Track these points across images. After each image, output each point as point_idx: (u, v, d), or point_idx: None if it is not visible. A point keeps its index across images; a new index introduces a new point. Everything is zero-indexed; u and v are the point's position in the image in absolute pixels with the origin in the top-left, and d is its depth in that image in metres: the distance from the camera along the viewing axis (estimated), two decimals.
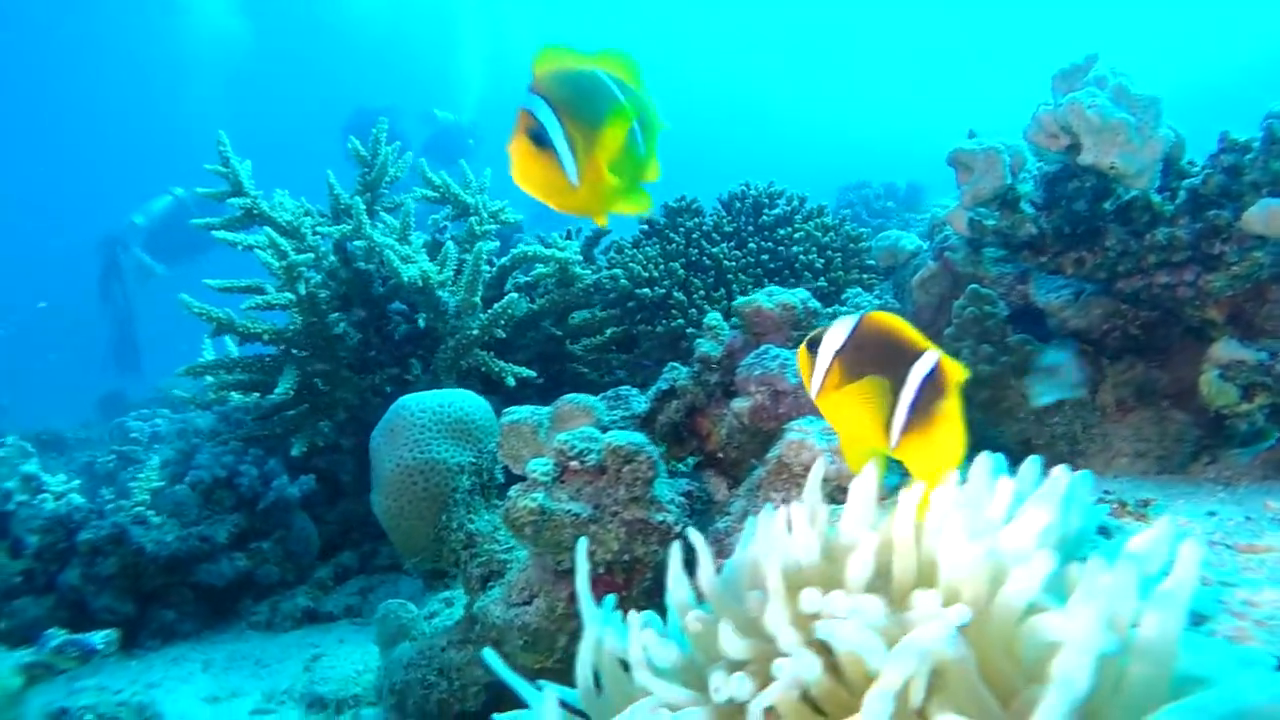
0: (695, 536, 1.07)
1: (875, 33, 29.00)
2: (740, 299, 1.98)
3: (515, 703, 1.78)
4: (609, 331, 2.93)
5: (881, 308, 2.62)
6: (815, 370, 1.01)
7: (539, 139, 0.92)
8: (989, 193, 1.90)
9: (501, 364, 2.60)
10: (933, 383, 0.94)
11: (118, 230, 8.90)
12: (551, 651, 1.65)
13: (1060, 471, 0.94)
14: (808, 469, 1.65)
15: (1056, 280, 2.32)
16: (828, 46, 30.14)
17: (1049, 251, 1.96)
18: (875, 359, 0.98)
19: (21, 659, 1.43)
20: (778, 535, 0.95)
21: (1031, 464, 0.99)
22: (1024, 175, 2.03)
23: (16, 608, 2.31)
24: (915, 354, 0.95)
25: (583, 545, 1.11)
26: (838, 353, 1.00)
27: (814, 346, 1.03)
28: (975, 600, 0.77)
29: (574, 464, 1.62)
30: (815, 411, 1.72)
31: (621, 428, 2.12)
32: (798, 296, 1.97)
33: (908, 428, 0.95)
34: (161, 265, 8.47)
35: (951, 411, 0.94)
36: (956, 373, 0.95)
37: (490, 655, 1.01)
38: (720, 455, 2.00)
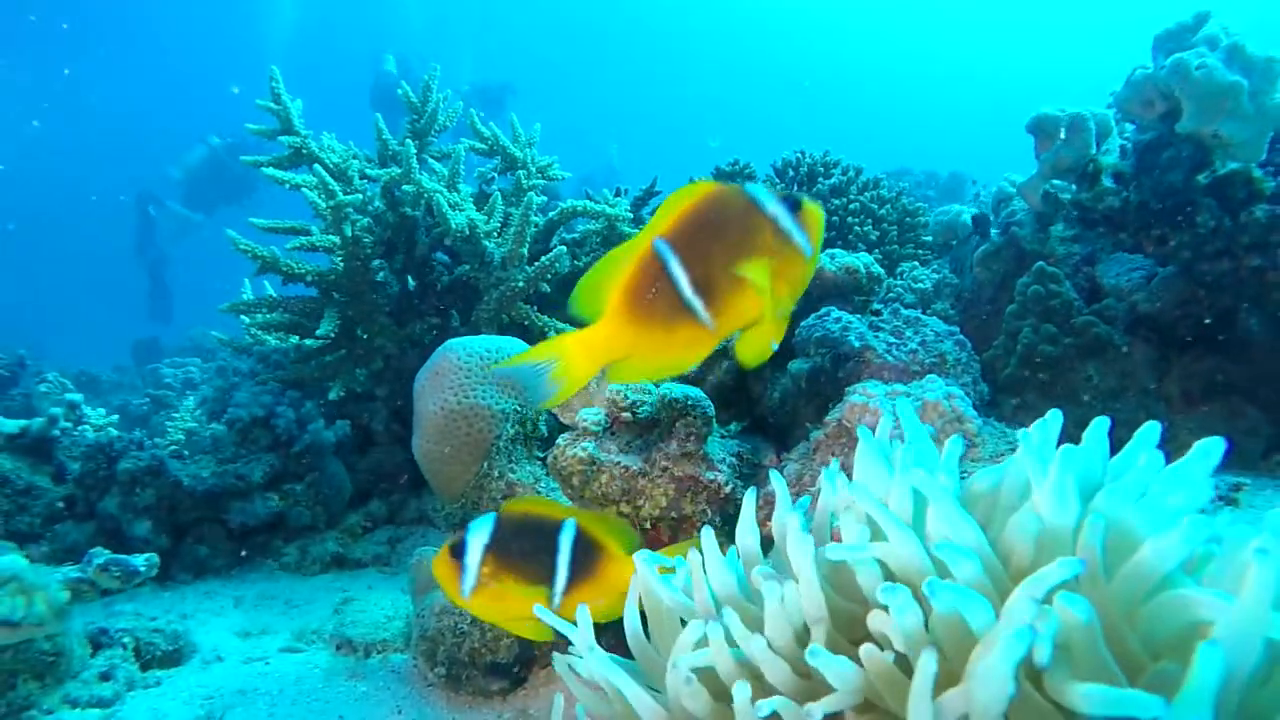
0: (749, 499, 1.07)
1: (922, 18, 28.33)
2: None
3: (544, 656, 1.76)
4: None
5: (939, 282, 2.53)
6: (466, 571, 1.11)
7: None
8: (1070, 162, 1.81)
9: (545, 319, 2.55)
10: (582, 543, 1.11)
11: (151, 186, 8.97)
12: None
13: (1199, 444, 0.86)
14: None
15: (1127, 262, 2.22)
16: (876, 29, 29.51)
17: (1130, 227, 1.86)
18: (523, 541, 1.11)
19: (68, 575, 1.43)
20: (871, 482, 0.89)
21: (1151, 429, 0.91)
22: (1106, 148, 1.93)
23: (59, 531, 2.32)
24: (557, 525, 1.12)
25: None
26: (487, 548, 1.10)
27: (457, 550, 1.12)
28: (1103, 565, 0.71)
29: (625, 415, 1.57)
30: (882, 375, 1.65)
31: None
32: (861, 260, 1.90)
33: (571, 585, 1.11)
34: (200, 214, 8.54)
35: (613, 557, 1.11)
36: (596, 524, 1.12)
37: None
38: (770, 419, 1.95)
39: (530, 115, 3.05)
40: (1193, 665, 0.57)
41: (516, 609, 1.12)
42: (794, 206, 0.91)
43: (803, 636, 0.83)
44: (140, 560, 1.52)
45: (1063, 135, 1.80)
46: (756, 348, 0.97)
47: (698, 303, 0.91)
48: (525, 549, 1.12)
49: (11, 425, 2.37)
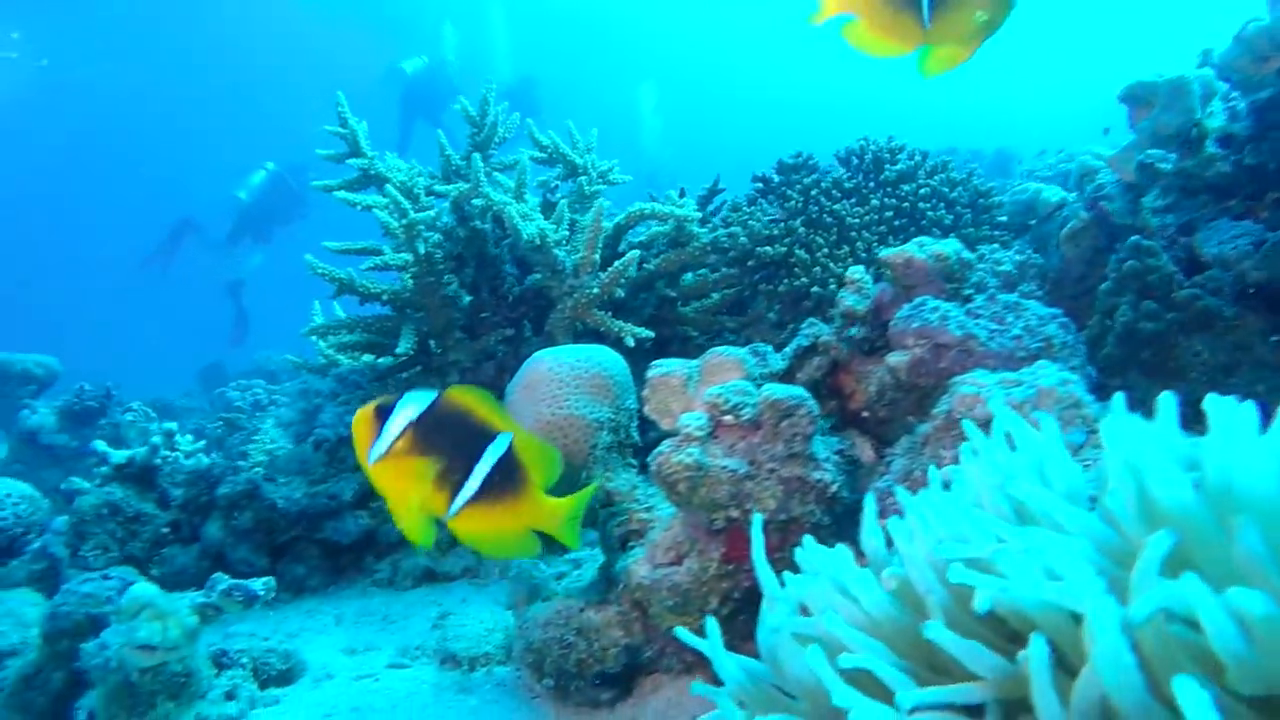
0: (869, 502, 1.05)
1: None
2: (888, 249, 1.87)
3: (650, 665, 1.75)
4: (715, 296, 2.86)
5: (1023, 263, 2.45)
6: (382, 436, 1.03)
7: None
8: (1174, 128, 1.73)
9: (620, 324, 2.55)
10: (507, 463, 1.04)
11: (193, 215, 9.14)
12: (701, 613, 1.59)
13: None
14: (982, 425, 1.55)
15: (1230, 229, 2.12)
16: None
17: (1240, 193, 1.77)
18: (451, 435, 1.04)
19: (194, 599, 1.47)
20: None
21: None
22: (1210, 110, 1.84)
23: (166, 555, 2.41)
24: (491, 435, 1.04)
25: (757, 523, 1.07)
26: (412, 423, 1.03)
27: (383, 413, 1.04)
28: None
29: (728, 418, 1.55)
30: (987, 364, 1.60)
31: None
32: (951, 247, 1.85)
33: (477, 500, 1.03)
34: (260, 253, 8.76)
35: (528, 491, 1.06)
36: (531, 450, 1.07)
37: (683, 632, 1.00)
38: (865, 414, 1.90)
39: (561, 105, 3.04)
40: None
41: (411, 496, 1.04)
42: None
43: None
44: (259, 584, 1.57)
45: (1163, 101, 1.71)
46: (947, 60, 1.21)
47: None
48: (450, 442, 1.04)
49: (119, 455, 2.47)
